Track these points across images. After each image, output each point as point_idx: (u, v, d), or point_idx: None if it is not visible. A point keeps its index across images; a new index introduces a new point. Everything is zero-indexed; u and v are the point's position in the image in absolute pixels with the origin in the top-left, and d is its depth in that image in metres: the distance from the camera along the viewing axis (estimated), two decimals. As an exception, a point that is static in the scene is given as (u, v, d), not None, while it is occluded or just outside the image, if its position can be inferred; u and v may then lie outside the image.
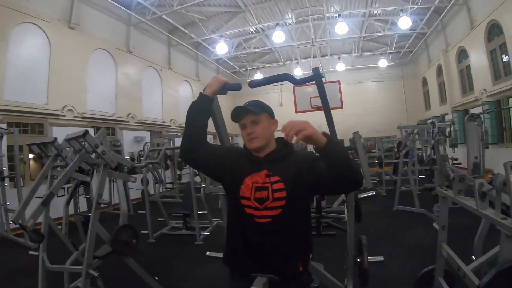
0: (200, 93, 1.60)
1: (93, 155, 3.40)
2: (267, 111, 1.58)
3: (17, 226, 2.86)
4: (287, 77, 1.68)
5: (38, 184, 3.35)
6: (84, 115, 8.46)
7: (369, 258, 2.59)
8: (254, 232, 1.49)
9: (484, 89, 10.24)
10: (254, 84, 1.64)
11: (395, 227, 5.64)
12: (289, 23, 13.12)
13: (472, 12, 10.56)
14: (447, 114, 13.45)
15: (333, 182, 1.37)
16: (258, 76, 17.44)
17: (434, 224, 5.28)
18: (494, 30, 9.56)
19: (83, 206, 5.02)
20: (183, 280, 4.05)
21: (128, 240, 3.28)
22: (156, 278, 3.63)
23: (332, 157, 1.31)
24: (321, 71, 1.67)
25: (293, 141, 1.29)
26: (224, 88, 1.63)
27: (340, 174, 1.33)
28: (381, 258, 3.90)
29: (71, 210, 4.07)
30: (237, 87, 1.70)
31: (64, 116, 7.94)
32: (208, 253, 2.77)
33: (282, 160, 1.53)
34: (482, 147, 7.13)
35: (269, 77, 1.69)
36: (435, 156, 7.27)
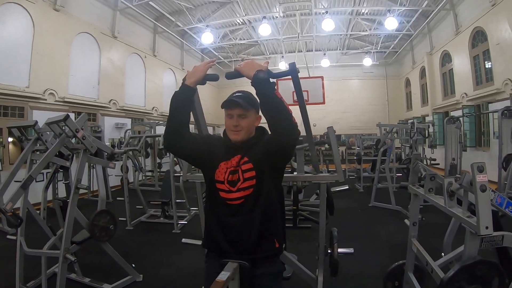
0: (183, 83, 1.62)
1: (73, 140, 3.37)
2: (255, 107, 1.63)
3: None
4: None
5: (18, 167, 3.31)
6: (66, 100, 8.27)
7: (340, 250, 2.68)
8: (229, 214, 1.58)
9: (465, 93, 10.54)
10: (230, 76, 1.67)
11: (370, 222, 5.80)
12: (276, 17, 13.10)
13: (458, 18, 10.81)
14: (427, 115, 13.78)
15: (272, 130, 1.52)
16: (243, 68, 17.36)
17: (406, 221, 5.44)
18: (478, 37, 9.83)
19: (61, 192, 4.99)
20: (159, 267, 4.09)
21: (106, 225, 3.29)
22: (133, 265, 3.66)
23: (259, 84, 1.50)
24: (296, 67, 1.70)
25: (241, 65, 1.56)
26: (204, 79, 1.67)
27: (272, 111, 1.49)
28: (351, 250, 4.00)
29: (49, 196, 4.02)
30: (214, 78, 1.74)
31: (45, 100, 7.75)
32: (184, 240, 2.80)
33: (256, 145, 1.63)
34: (460, 149, 7.38)
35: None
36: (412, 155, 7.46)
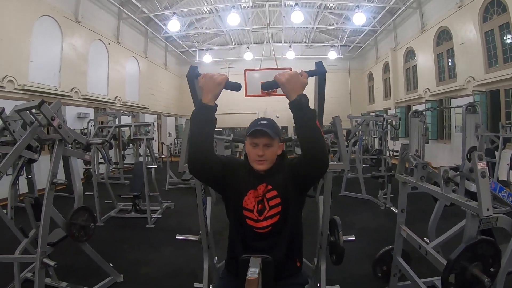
0: (201, 103, 1.46)
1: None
2: (279, 136, 1.60)
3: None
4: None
5: None
6: (26, 88, 7.67)
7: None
8: (256, 239, 1.58)
9: (428, 89, 11.04)
10: (266, 87, 1.57)
11: (343, 211, 5.89)
12: (245, 7, 12.98)
13: (424, 16, 11.28)
14: (390, 108, 14.31)
15: (303, 159, 1.46)
16: (207, 57, 17.16)
17: (393, 208, 5.68)
18: (443, 36, 10.31)
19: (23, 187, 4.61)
20: (138, 265, 3.90)
21: (85, 224, 3.06)
22: (111, 264, 3.44)
23: (300, 110, 1.40)
24: (324, 67, 1.65)
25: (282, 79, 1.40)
26: (224, 88, 1.51)
27: (307, 139, 1.42)
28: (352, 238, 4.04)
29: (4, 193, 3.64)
30: (236, 87, 1.57)
31: (3, 87, 7.15)
32: (178, 236, 2.69)
33: (278, 171, 1.60)
34: (423, 141, 7.72)
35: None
36: (381, 147, 7.71)
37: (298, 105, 1.38)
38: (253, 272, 1.34)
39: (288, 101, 1.40)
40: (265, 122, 1.58)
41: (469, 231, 1.91)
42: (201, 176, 1.62)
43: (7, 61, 7.27)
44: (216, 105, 1.48)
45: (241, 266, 1.49)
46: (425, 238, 2.78)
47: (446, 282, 1.82)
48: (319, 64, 1.62)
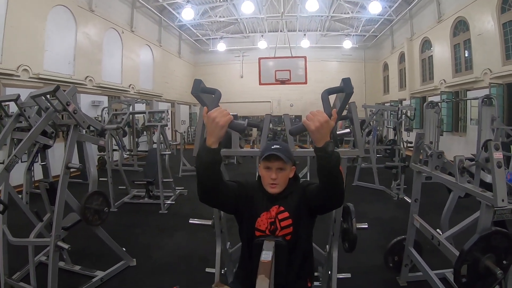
0: (204, 145, 1.41)
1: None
2: (292, 160, 1.64)
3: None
4: (324, 92, 1.55)
5: None
6: (40, 76, 7.78)
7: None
8: None
9: (444, 80, 10.79)
10: (295, 132, 1.53)
11: (355, 201, 5.78)
12: (260, -6, 12.84)
13: (441, 6, 10.96)
14: (405, 99, 14.06)
15: (321, 194, 1.49)
16: (221, 46, 17.09)
17: (406, 198, 5.58)
18: (460, 26, 10.03)
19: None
20: (151, 249, 3.97)
21: (99, 208, 3.11)
22: (124, 249, 3.51)
23: (326, 158, 1.35)
24: (351, 84, 1.55)
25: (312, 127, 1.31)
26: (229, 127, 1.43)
27: (328, 183, 1.42)
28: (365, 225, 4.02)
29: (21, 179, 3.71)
30: (240, 129, 1.50)
31: (18, 76, 7.26)
32: (191, 220, 2.71)
33: (290, 194, 1.64)
34: (437, 133, 7.59)
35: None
36: (395, 137, 7.62)
37: (324, 153, 1.34)
38: (266, 255, 1.36)
39: (315, 145, 1.36)
40: (278, 146, 1.61)
41: (483, 222, 1.88)
42: (212, 206, 1.66)
43: (22, 50, 7.36)
44: (220, 147, 1.43)
45: (254, 249, 1.52)
46: (437, 230, 2.74)
47: (458, 273, 1.81)
48: (346, 82, 1.54)
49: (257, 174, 1.71)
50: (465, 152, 2.33)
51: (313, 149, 1.39)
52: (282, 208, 1.60)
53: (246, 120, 1.70)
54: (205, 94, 1.71)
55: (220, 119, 1.34)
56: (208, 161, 1.41)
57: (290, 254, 1.58)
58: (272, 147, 1.60)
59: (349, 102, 2.16)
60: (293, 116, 16.47)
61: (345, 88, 1.55)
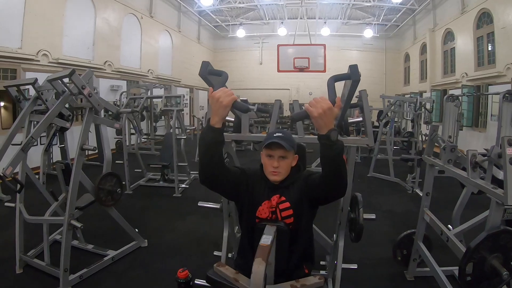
0: (208, 125, 1.43)
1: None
2: (294, 148, 1.62)
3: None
4: (330, 79, 1.52)
5: (16, 129, 3.08)
6: (60, 61, 7.91)
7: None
8: None
9: (466, 73, 10.45)
10: (296, 118, 1.56)
11: (370, 192, 5.82)
12: (280, -19, 12.63)
13: (465, -3, 10.53)
14: (425, 91, 13.71)
15: (323, 184, 1.47)
16: (241, 32, 16.99)
17: (418, 191, 5.56)
18: (484, 18, 9.63)
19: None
20: (163, 231, 4.07)
21: (113, 189, 3.19)
22: (136, 230, 3.60)
23: (329, 147, 1.33)
24: (359, 71, 1.51)
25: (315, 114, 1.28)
26: (233, 107, 1.44)
27: (330, 172, 1.41)
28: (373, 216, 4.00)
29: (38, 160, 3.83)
30: (244, 109, 1.49)
31: (38, 61, 7.40)
32: (200, 203, 2.76)
33: (292, 183, 1.63)
34: (457, 127, 7.39)
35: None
36: (413, 129, 7.47)
37: (327, 141, 1.32)
38: (266, 239, 1.35)
39: (318, 132, 1.34)
40: (280, 134, 1.59)
41: (492, 220, 1.82)
42: (212, 189, 1.61)
43: (42, 35, 7.47)
44: (224, 127, 1.45)
45: (256, 233, 1.53)
46: (448, 225, 2.70)
47: (463, 271, 1.77)
48: (353, 68, 1.50)
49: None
50: (484, 149, 2.27)
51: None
52: (283, 198, 1.59)
53: (256, 105, 1.70)
54: (213, 76, 1.72)
55: (224, 98, 1.35)
56: (210, 140, 1.43)
57: (290, 243, 1.58)
58: (275, 134, 1.59)
59: (360, 90, 2.12)
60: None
61: (352, 75, 1.52)
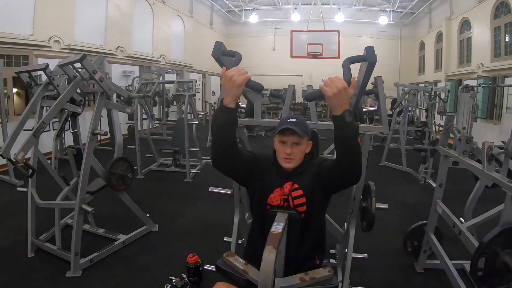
0: (221, 105, 1.41)
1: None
2: (308, 134, 1.57)
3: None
4: (345, 60, 1.46)
5: (27, 115, 3.10)
6: (72, 47, 7.91)
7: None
8: None
9: (482, 64, 10.16)
10: (310, 98, 1.49)
11: (381, 182, 5.73)
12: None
13: (483, -14, 10.17)
14: (440, 81, 13.41)
15: (337, 169, 1.42)
16: (253, 17, 16.79)
17: (431, 181, 5.49)
18: (502, 8, 9.30)
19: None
20: (174, 217, 4.10)
21: (124, 174, 3.21)
22: (147, 215, 3.64)
23: (344, 128, 1.29)
24: (375, 53, 1.49)
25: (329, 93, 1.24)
26: (246, 86, 1.41)
27: (345, 156, 1.36)
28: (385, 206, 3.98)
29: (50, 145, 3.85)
30: (258, 87, 1.48)
31: (50, 47, 7.42)
32: (211, 189, 2.76)
33: (305, 170, 1.59)
34: (471, 118, 7.23)
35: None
36: (427, 119, 7.34)
37: (342, 122, 1.28)
38: (277, 226, 1.32)
39: (332, 114, 1.30)
40: (294, 120, 1.54)
41: (506, 214, 1.79)
42: (224, 173, 1.59)
43: (53, 22, 7.47)
44: (237, 107, 1.42)
45: (267, 220, 1.50)
46: (460, 218, 2.65)
47: (475, 266, 1.73)
48: (369, 50, 1.46)
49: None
50: (499, 142, 2.21)
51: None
52: (296, 186, 1.55)
53: (269, 90, 1.66)
54: (226, 57, 1.68)
55: (237, 77, 1.33)
56: (223, 121, 1.41)
57: (302, 232, 1.55)
58: (288, 120, 1.54)
59: (375, 76, 2.07)
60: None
61: (368, 57, 1.48)
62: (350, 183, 1.55)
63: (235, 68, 1.35)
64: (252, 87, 1.42)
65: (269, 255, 1.17)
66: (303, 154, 1.58)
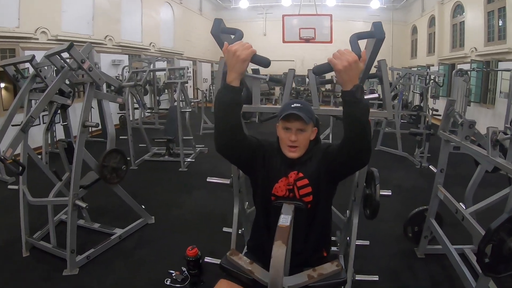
0: (225, 83, 1.31)
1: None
2: (313, 120, 1.48)
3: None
4: (353, 36, 1.39)
5: (15, 109, 2.94)
6: (59, 38, 7.63)
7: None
8: None
9: (475, 48, 10.14)
10: (319, 71, 1.35)
11: (377, 166, 5.66)
12: None
13: (476, -32, 10.05)
14: (433, 65, 13.39)
15: (344, 151, 1.35)
16: (244, 3, 16.50)
17: (432, 167, 5.40)
18: None
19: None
20: (170, 207, 4.04)
21: (117, 166, 3.12)
22: (143, 206, 3.57)
23: (354, 104, 1.21)
24: (383, 29, 1.42)
25: (339, 66, 1.15)
26: (251, 61, 1.31)
27: (354, 134, 1.28)
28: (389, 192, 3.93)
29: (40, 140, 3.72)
30: (264, 63, 1.33)
31: (37, 39, 7.20)
32: (209, 179, 2.68)
33: (310, 158, 1.51)
34: (465, 102, 7.23)
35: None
36: (421, 103, 7.32)
37: (352, 98, 1.20)
38: (285, 219, 1.26)
39: (342, 89, 1.21)
40: (299, 105, 1.45)
41: (513, 200, 1.76)
42: (228, 158, 1.51)
43: (39, 12, 7.22)
44: (241, 88, 1.32)
45: (272, 212, 1.45)
46: (460, 203, 2.63)
47: (483, 252, 1.70)
48: (377, 26, 1.40)
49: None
50: (492, 125, 2.17)
51: (340, 95, 1.25)
52: (301, 175, 1.47)
53: (268, 75, 1.58)
54: (226, 35, 1.59)
55: (242, 52, 1.23)
56: (227, 101, 1.32)
57: (309, 223, 1.49)
58: (292, 105, 1.45)
59: (379, 59, 2.00)
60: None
61: (375, 33, 1.42)
62: (358, 167, 1.48)
63: (239, 42, 1.26)
64: (259, 62, 1.32)
65: (279, 250, 1.11)
66: (308, 142, 1.49)
